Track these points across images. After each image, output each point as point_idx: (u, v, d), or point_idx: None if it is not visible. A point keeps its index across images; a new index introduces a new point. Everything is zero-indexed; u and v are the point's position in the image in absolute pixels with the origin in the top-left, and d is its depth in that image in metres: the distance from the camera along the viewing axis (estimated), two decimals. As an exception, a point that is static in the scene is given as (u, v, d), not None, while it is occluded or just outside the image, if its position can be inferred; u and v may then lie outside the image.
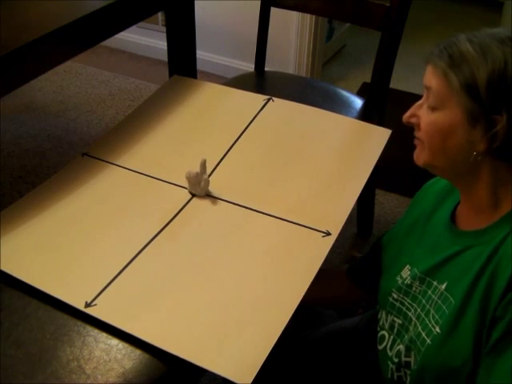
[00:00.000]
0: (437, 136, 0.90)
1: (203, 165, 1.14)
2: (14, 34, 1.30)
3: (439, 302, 0.93)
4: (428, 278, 0.97)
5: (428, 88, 0.90)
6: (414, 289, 1.00)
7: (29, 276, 0.97)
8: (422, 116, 0.92)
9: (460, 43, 0.86)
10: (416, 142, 0.95)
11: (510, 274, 0.83)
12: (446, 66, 0.86)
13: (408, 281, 1.01)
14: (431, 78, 0.89)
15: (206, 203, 1.14)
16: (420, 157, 0.95)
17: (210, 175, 1.20)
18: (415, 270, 1.00)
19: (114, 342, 0.88)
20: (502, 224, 0.89)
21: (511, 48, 0.83)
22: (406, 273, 1.02)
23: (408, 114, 0.95)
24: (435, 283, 0.95)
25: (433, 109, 0.89)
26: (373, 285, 1.20)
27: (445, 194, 1.03)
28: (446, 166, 0.93)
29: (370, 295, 1.25)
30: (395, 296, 1.04)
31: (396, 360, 1.00)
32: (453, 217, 1.00)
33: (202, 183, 1.14)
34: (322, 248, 1.03)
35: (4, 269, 0.98)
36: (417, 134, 0.94)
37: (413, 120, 0.94)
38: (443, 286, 0.94)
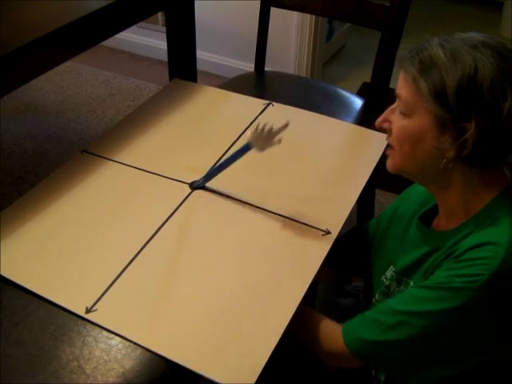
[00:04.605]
0: (407, 142, 0.89)
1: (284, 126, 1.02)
2: (14, 33, 1.30)
3: None
4: (404, 278, 0.98)
5: (398, 96, 0.90)
6: (392, 289, 1.01)
7: (29, 281, 0.97)
8: (394, 121, 0.91)
9: (432, 48, 0.85)
10: (387, 149, 0.95)
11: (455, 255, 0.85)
12: (416, 71, 0.85)
13: (387, 282, 1.03)
14: (401, 86, 0.88)
15: (204, 199, 1.14)
16: (391, 163, 0.94)
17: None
18: (395, 270, 1.02)
19: (114, 341, 0.88)
20: (467, 225, 0.89)
21: (483, 54, 0.81)
22: (389, 274, 1.03)
23: (380, 118, 0.94)
24: (411, 283, 0.97)
25: (403, 115, 0.89)
26: (345, 268, 1.21)
27: (430, 195, 1.03)
28: (417, 172, 0.93)
29: (342, 275, 1.29)
30: (377, 297, 1.05)
31: None
32: (431, 219, 1.00)
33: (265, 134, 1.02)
34: (322, 247, 1.03)
35: (4, 274, 0.98)
36: (388, 139, 0.94)
37: (385, 125, 0.94)
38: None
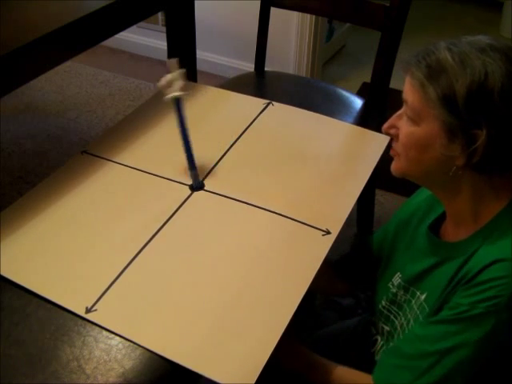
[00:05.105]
0: (414, 148, 0.87)
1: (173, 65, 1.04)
2: (13, 33, 1.30)
3: (418, 312, 0.93)
4: (411, 288, 0.97)
5: (405, 101, 0.88)
6: (398, 297, 1.00)
7: (29, 281, 0.97)
8: (401, 127, 0.89)
9: (439, 52, 0.83)
10: (392, 152, 0.93)
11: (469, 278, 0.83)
12: (423, 77, 0.83)
13: (394, 289, 1.02)
14: (408, 91, 0.86)
15: (204, 200, 1.14)
16: (396, 167, 0.92)
17: (209, 172, 1.20)
18: (402, 278, 1.00)
19: (114, 342, 0.88)
20: (477, 236, 0.87)
21: (492, 58, 0.79)
22: (396, 280, 1.02)
23: (387, 124, 0.92)
24: (418, 293, 0.95)
25: (411, 121, 0.87)
26: (358, 281, 1.20)
27: (437, 200, 1.00)
28: (422, 177, 0.91)
29: (354, 289, 1.28)
30: (383, 303, 1.04)
31: None
32: (438, 226, 0.98)
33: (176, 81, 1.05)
34: (321, 247, 1.03)
35: (4, 274, 0.98)
36: (394, 144, 0.92)
37: (392, 131, 0.92)
38: (423, 297, 0.93)
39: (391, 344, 1.00)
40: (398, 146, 0.91)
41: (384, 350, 1.01)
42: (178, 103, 1.09)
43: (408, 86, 0.86)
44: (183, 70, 1.05)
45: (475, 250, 0.86)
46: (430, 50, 0.84)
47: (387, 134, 0.93)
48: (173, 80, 1.06)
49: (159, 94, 1.50)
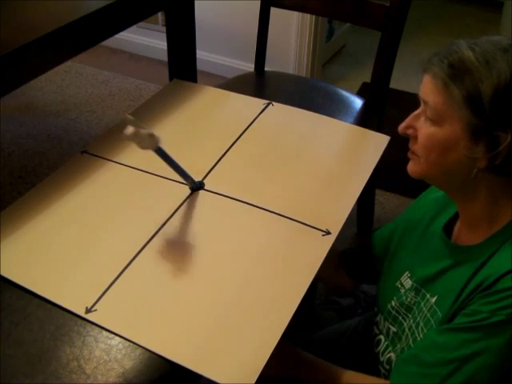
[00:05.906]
0: (435, 150, 0.85)
1: (132, 121, 0.97)
2: (13, 34, 1.30)
3: (428, 315, 0.92)
4: (423, 290, 0.96)
5: (425, 102, 0.85)
6: (408, 299, 0.99)
7: (29, 281, 0.97)
8: (420, 128, 0.87)
9: (461, 51, 0.81)
10: (411, 155, 0.91)
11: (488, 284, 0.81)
12: (446, 76, 0.81)
13: (404, 290, 1.01)
14: (429, 92, 0.84)
15: (205, 200, 1.14)
16: (415, 169, 0.91)
17: (209, 172, 1.20)
18: (413, 279, 0.99)
19: (114, 342, 0.88)
20: (492, 241, 0.86)
21: None
22: (405, 280, 1.01)
23: (404, 124, 0.90)
24: (428, 295, 0.94)
25: (431, 121, 0.84)
26: (363, 277, 1.20)
27: (449, 201, 0.99)
28: (442, 179, 0.90)
29: (358, 284, 1.28)
30: (393, 304, 1.03)
31: (387, 367, 1.00)
32: (450, 227, 0.97)
33: (146, 137, 0.99)
34: (321, 247, 1.03)
35: (4, 274, 0.98)
36: (412, 146, 0.90)
37: (409, 132, 0.89)
38: (433, 300, 0.93)
39: (398, 345, 0.99)
40: (417, 148, 0.88)
41: (399, 355, 0.99)
42: (160, 151, 1.04)
43: (429, 86, 0.84)
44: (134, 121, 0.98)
45: (491, 255, 0.85)
46: (451, 49, 0.82)
47: (404, 134, 0.90)
48: (136, 132, 0.98)
49: (159, 94, 1.50)
